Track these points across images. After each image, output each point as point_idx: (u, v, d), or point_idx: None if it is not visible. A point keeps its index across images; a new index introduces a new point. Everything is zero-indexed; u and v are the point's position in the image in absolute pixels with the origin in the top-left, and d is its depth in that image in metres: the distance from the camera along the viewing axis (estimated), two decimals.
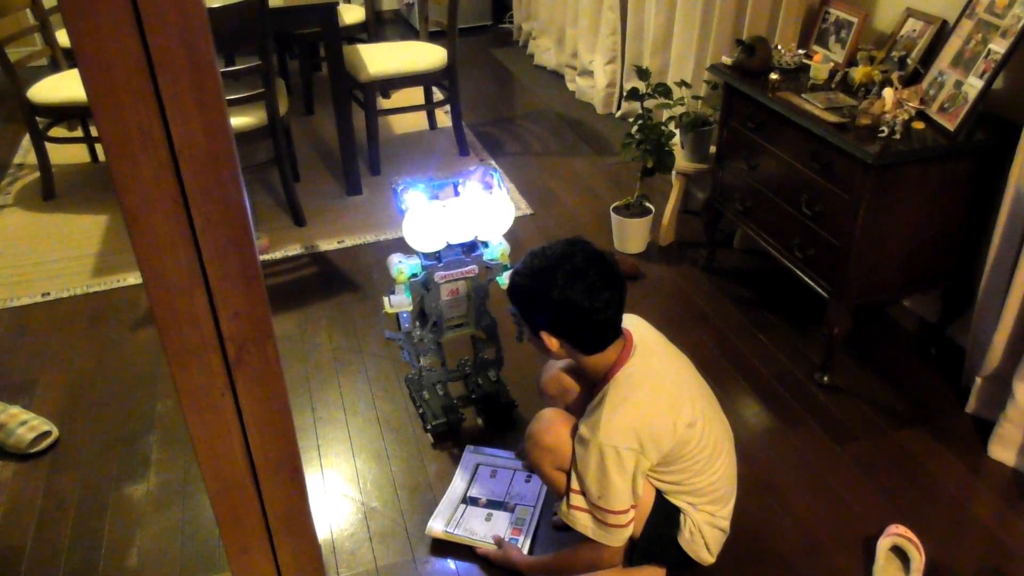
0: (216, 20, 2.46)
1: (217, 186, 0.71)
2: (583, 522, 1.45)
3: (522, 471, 1.86)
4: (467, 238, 1.84)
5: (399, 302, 1.82)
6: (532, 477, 1.84)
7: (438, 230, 1.78)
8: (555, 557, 1.58)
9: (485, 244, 1.89)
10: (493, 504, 1.78)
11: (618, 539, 1.45)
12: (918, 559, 1.58)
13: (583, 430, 1.41)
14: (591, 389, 1.52)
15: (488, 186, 1.83)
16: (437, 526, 1.71)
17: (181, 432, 2.00)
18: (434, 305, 1.88)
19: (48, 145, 3.13)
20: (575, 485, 1.44)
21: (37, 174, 3.25)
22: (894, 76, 2.00)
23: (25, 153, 3.59)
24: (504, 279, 1.90)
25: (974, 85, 1.82)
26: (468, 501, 1.79)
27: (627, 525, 1.44)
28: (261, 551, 0.95)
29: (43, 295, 2.60)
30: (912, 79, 2.05)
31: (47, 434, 1.98)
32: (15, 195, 3.25)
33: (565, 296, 1.38)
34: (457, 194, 1.82)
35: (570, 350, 1.46)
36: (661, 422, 1.40)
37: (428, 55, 3.31)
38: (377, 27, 5.25)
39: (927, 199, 1.93)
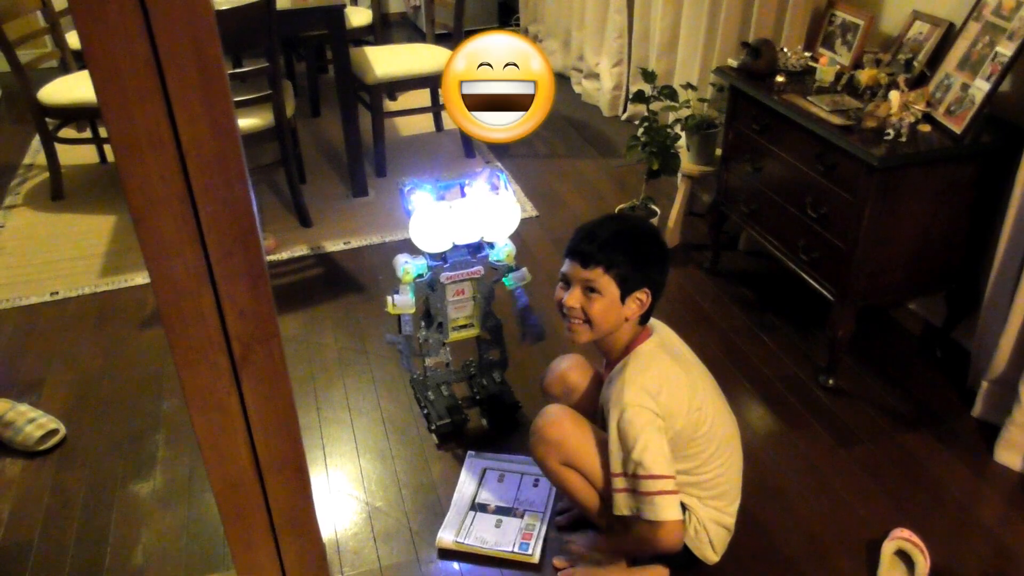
0: (224, 22, 2.45)
1: (224, 186, 0.72)
2: (621, 503, 1.42)
3: (530, 475, 1.86)
4: (473, 239, 1.85)
5: (403, 303, 1.82)
6: (540, 481, 1.84)
7: (444, 231, 1.79)
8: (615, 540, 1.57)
9: (491, 245, 1.89)
10: (502, 510, 1.78)
11: (659, 510, 1.37)
12: (923, 563, 1.58)
13: (610, 404, 1.43)
14: (599, 383, 1.54)
15: (495, 187, 1.83)
16: (447, 537, 1.70)
17: (187, 431, 2.01)
18: (440, 306, 1.89)
19: (57, 146, 3.16)
20: (615, 468, 1.42)
21: (46, 175, 3.27)
22: (900, 79, 2.00)
23: (35, 154, 3.62)
24: (512, 280, 1.90)
25: (981, 88, 1.82)
26: (477, 507, 1.79)
27: (665, 493, 1.37)
28: (266, 550, 0.95)
29: (51, 294, 2.61)
30: (918, 82, 2.04)
31: (54, 432, 1.99)
32: (24, 195, 3.28)
33: (664, 259, 1.49)
34: (464, 195, 1.83)
35: (633, 319, 1.48)
36: (678, 394, 1.43)
37: (435, 57, 3.32)
38: (384, 30, 5.27)
39: (933, 202, 1.93)
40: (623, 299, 1.44)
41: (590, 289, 1.44)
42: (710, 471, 1.48)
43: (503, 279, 1.90)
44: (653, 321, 1.54)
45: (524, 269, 1.92)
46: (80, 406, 2.12)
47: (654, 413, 1.38)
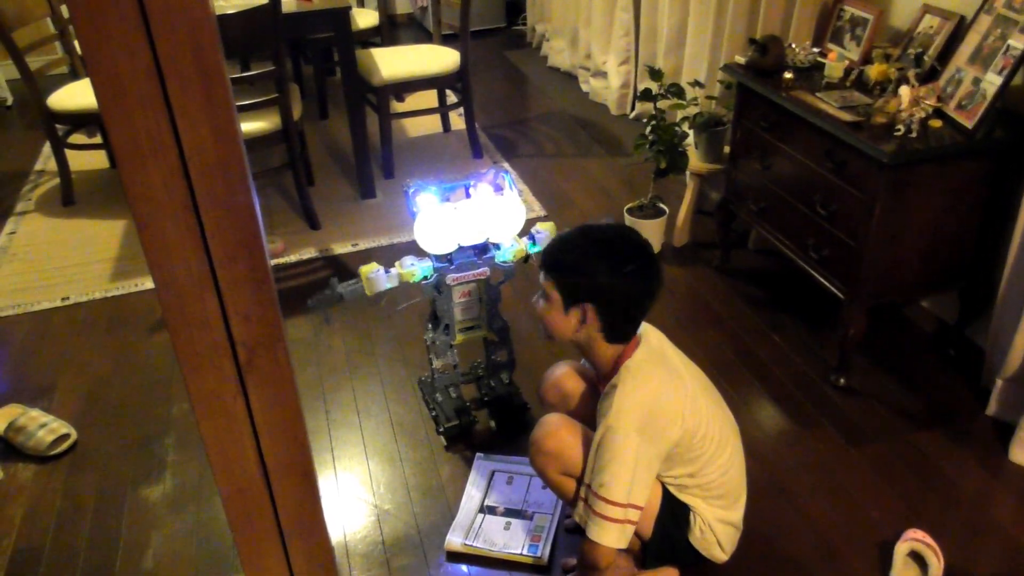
0: (230, 25, 2.48)
1: (226, 191, 0.72)
2: (580, 508, 1.45)
3: (538, 477, 1.85)
4: (478, 240, 1.84)
5: (376, 278, 1.75)
6: None
7: (449, 232, 1.78)
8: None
9: (497, 246, 1.89)
10: (511, 512, 1.77)
11: (603, 534, 1.39)
12: (936, 565, 1.56)
13: (600, 419, 1.42)
14: (594, 388, 1.52)
15: (498, 188, 1.83)
16: (456, 539, 1.70)
17: (197, 435, 2.01)
18: (446, 308, 1.89)
19: (67, 152, 3.18)
20: (585, 477, 1.44)
21: (57, 180, 3.30)
22: (910, 74, 1.98)
23: (45, 160, 3.64)
24: (539, 245, 1.88)
25: (992, 82, 1.80)
26: (486, 510, 1.78)
27: (609, 519, 1.39)
28: (274, 554, 0.95)
29: (63, 299, 2.63)
30: (929, 76, 2.02)
31: (66, 436, 2.01)
32: (36, 201, 3.30)
33: (620, 275, 1.38)
34: (468, 196, 1.82)
35: (593, 334, 1.43)
36: (671, 406, 1.41)
37: (441, 58, 3.32)
38: (390, 31, 5.27)
39: (944, 198, 1.91)
40: (566, 308, 1.43)
41: (545, 294, 1.47)
42: (713, 471, 1.47)
43: (529, 247, 1.88)
44: (643, 327, 1.51)
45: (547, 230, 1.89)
46: (91, 411, 2.14)
47: (638, 438, 1.37)
